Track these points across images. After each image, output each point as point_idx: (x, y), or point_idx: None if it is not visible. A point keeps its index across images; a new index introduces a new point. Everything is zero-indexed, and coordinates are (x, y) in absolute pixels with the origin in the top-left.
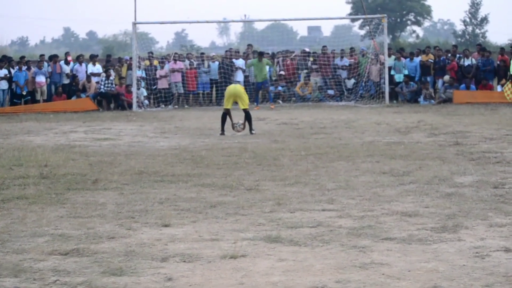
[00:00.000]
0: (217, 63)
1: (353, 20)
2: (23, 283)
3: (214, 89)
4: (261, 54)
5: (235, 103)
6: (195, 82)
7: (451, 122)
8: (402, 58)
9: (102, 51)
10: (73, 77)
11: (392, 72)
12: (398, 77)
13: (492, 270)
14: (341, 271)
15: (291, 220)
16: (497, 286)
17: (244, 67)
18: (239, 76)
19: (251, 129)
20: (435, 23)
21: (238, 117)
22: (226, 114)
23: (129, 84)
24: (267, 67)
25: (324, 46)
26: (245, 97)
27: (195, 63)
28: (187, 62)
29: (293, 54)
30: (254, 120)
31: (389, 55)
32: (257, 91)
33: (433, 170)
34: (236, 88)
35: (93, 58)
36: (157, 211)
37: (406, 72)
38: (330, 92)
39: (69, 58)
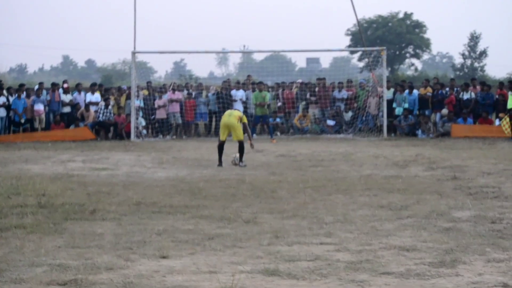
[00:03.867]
0: (215, 93)
1: (352, 52)
2: None
3: (213, 119)
4: (260, 84)
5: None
6: (193, 113)
7: (449, 156)
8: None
9: (101, 79)
10: (73, 106)
11: (394, 105)
12: (398, 110)
13: None
14: None
15: (289, 253)
16: None
17: (244, 98)
18: (238, 107)
19: (241, 160)
20: (434, 56)
21: (235, 148)
22: (222, 145)
23: (128, 113)
24: (269, 97)
25: (321, 78)
26: (238, 127)
27: (193, 93)
28: (185, 92)
29: (294, 85)
30: (252, 151)
31: (388, 88)
32: (255, 125)
33: (430, 204)
34: (229, 118)
35: (92, 87)
36: (155, 243)
37: (406, 105)
38: (330, 122)
39: (65, 85)
